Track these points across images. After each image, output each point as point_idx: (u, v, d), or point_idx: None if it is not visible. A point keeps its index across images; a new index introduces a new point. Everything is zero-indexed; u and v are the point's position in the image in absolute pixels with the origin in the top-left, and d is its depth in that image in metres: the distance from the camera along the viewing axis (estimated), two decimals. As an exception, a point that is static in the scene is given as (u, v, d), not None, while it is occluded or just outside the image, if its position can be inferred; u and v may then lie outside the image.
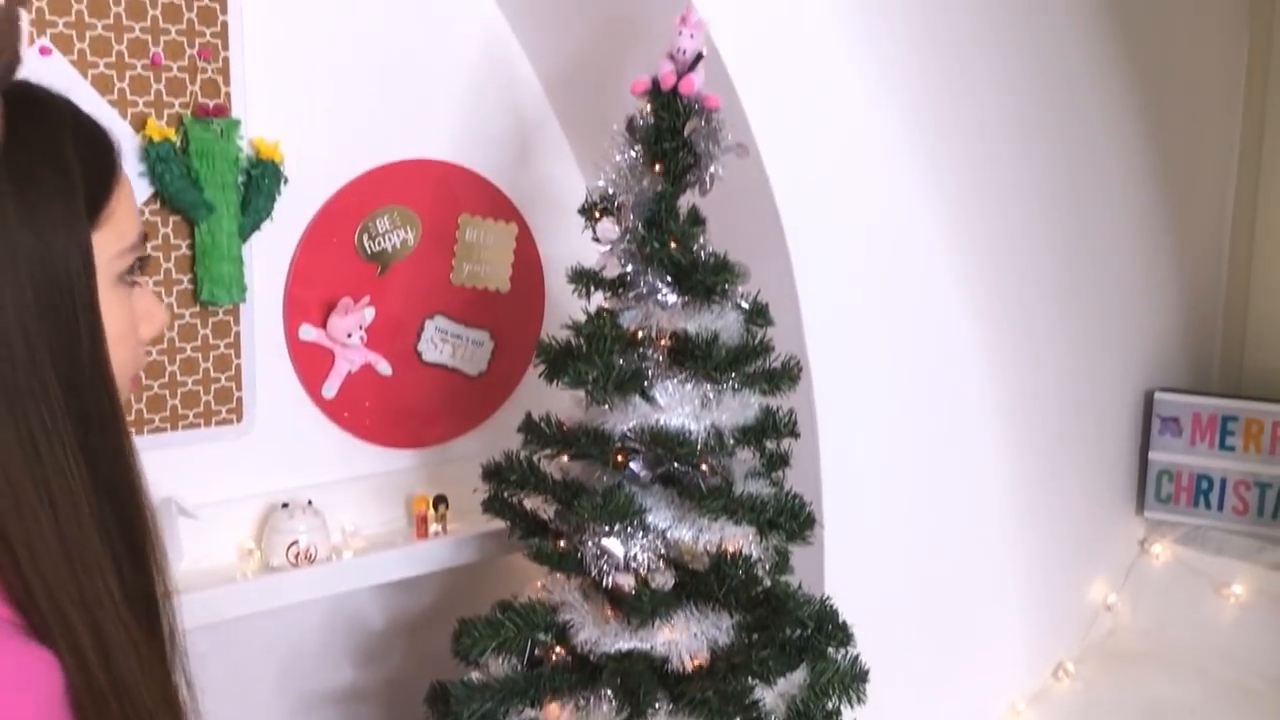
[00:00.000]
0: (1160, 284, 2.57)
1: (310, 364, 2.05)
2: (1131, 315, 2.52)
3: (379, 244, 2.09)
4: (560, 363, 1.74)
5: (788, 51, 1.95)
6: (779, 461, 1.85)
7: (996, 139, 2.21)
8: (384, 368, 2.12)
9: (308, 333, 2.03)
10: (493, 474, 1.86)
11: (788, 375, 1.79)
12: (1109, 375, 2.52)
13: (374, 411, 2.13)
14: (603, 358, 1.68)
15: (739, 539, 1.71)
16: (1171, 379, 2.61)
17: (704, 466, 1.70)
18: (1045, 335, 2.35)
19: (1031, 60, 2.23)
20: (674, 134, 1.70)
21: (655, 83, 1.71)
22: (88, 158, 0.83)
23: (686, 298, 1.71)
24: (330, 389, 2.07)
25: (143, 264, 0.90)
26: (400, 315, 2.13)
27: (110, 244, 0.84)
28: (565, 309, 1.92)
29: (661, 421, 1.69)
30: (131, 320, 0.87)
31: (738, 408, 1.74)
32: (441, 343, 2.20)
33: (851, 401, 2.06)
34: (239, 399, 1.98)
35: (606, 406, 1.69)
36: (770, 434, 1.78)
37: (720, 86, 1.78)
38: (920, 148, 2.11)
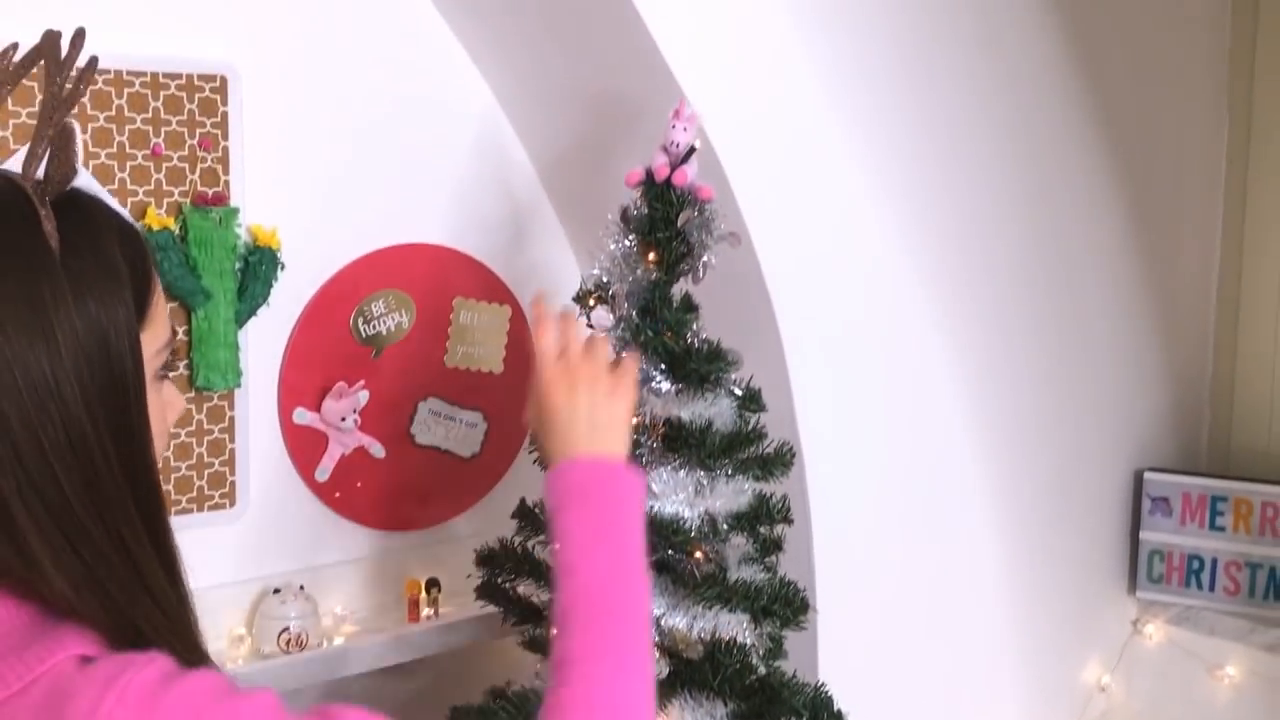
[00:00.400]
0: (1147, 364, 2.60)
1: (304, 447, 2.05)
2: (1120, 395, 2.54)
3: (374, 327, 2.10)
4: (554, 450, 1.74)
5: (780, 141, 1.99)
6: (772, 546, 1.86)
7: (986, 221, 2.24)
8: (377, 450, 2.12)
9: (302, 416, 2.03)
10: (487, 560, 1.86)
11: (780, 461, 1.80)
12: (1099, 455, 2.54)
13: (367, 494, 2.13)
14: (597, 446, 1.68)
15: (733, 626, 1.71)
16: (1161, 459, 2.62)
17: (697, 554, 1.70)
18: (1035, 415, 2.37)
19: (1020, 143, 2.27)
20: (668, 224, 1.72)
21: (649, 174, 1.74)
22: (133, 260, 0.85)
23: (680, 385, 1.73)
24: (323, 472, 2.07)
25: (174, 357, 0.93)
26: (394, 397, 2.14)
27: (151, 342, 0.87)
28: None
29: (655, 509, 1.69)
30: (163, 413, 0.90)
31: (731, 494, 1.74)
32: (435, 424, 2.20)
33: (844, 485, 2.07)
34: (232, 483, 1.98)
35: (600, 494, 1.70)
36: (764, 520, 1.78)
37: (713, 176, 1.82)
38: (911, 230, 2.14)
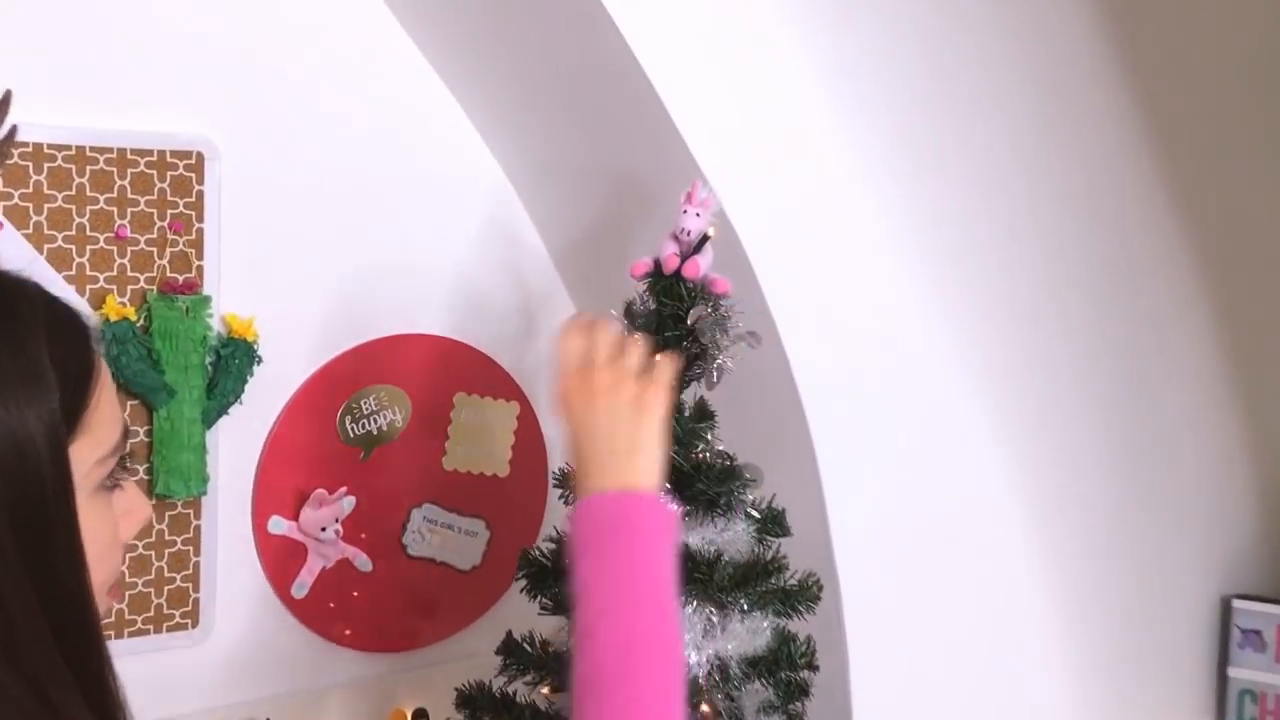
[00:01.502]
0: (1235, 479, 2.31)
1: (280, 560, 1.85)
2: (1205, 513, 2.26)
3: (363, 426, 1.91)
4: (543, 579, 1.52)
5: (811, 225, 1.78)
6: (798, 691, 1.61)
7: (1051, 318, 1.99)
8: (363, 563, 1.92)
9: (278, 525, 1.84)
10: (467, 702, 1.63)
11: (806, 594, 1.56)
12: (1181, 579, 2.25)
13: (350, 612, 1.92)
14: (589, 577, 1.45)
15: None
16: (1251, 585, 2.33)
17: (705, 708, 1.46)
18: (1110, 537, 2.09)
19: (1090, 234, 2.02)
20: (677, 322, 1.51)
21: (657, 265, 1.53)
22: (63, 358, 0.75)
23: (687, 508, 1.50)
24: (301, 588, 1.87)
25: (125, 463, 0.81)
26: (384, 504, 1.94)
27: (89, 453, 0.76)
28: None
29: (656, 652, 1.45)
30: (114, 528, 0.80)
31: (746, 635, 1.51)
32: (430, 533, 2.00)
33: (887, 622, 1.81)
34: (196, 601, 1.78)
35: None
36: (784, 666, 1.54)
37: (736, 266, 1.61)
38: (964, 327, 1.90)
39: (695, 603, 1.49)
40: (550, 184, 2.04)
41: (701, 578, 1.46)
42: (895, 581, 1.84)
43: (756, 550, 1.54)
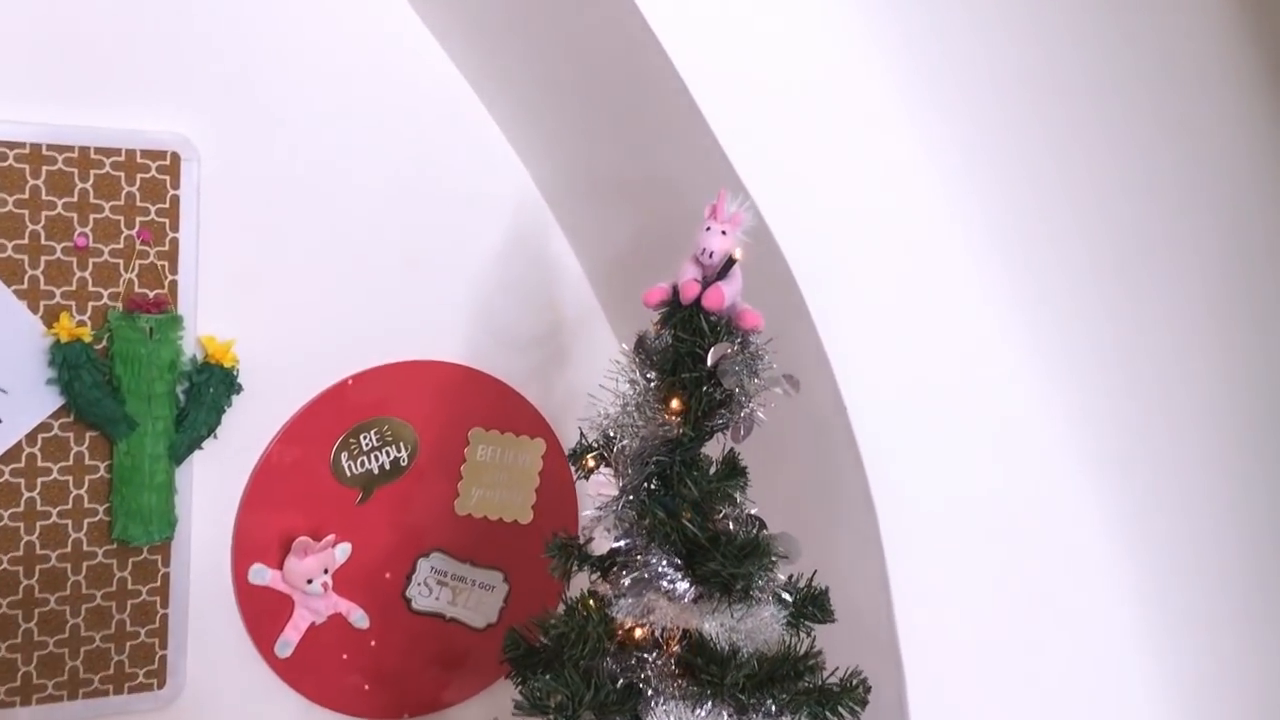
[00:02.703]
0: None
1: (262, 614, 1.65)
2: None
3: (362, 464, 1.69)
4: (529, 666, 1.27)
5: (875, 244, 1.49)
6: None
7: (1178, 384, 1.67)
8: (359, 619, 1.70)
9: (260, 575, 1.63)
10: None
11: (850, 696, 1.28)
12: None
13: (343, 674, 1.71)
14: (577, 669, 1.20)
15: None
16: None
17: None
18: (1236, 647, 1.74)
19: (1215, 293, 1.69)
20: (696, 361, 1.25)
21: (675, 292, 1.27)
22: None
23: (702, 588, 1.23)
24: (285, 646, 1.66)
25: None
26: (385, 552, 1.73)
27: None
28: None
29: (658, 765, 1.20)
30: None
31: (772, 745, 1.23)
32: (438, 586, 1.77)
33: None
34: (163, 659, 1.58)
35: (584, 735, 1.21)
36: (820, 786, 1.26)
37: (779, 291, 1.34)
38: (1065, 378, 1.59)
39: (711, 701, 1.22)
40: (588, 194, 1.79)
41: (713, 677, 1.19)
42: (974, 677, 1.53)
43: (788, 640, 1.26)
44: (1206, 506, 1.73)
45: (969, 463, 1.56)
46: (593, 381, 1.85)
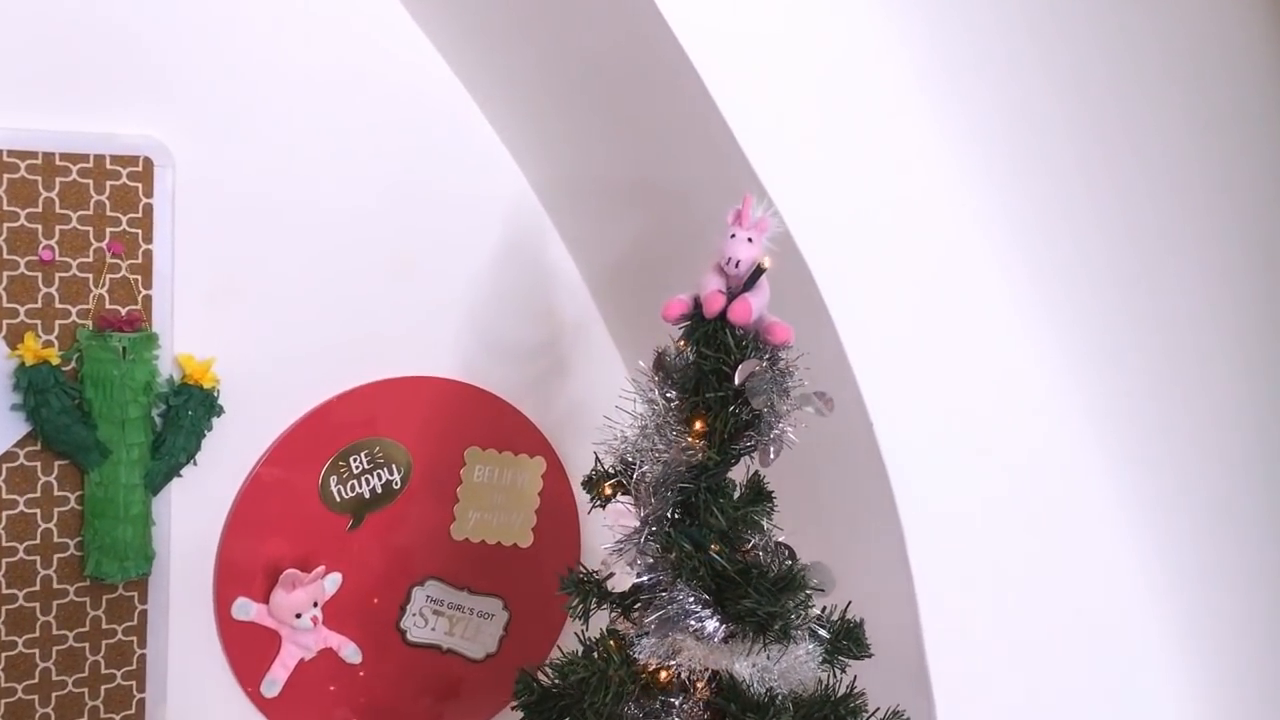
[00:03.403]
0: None
1: (247, 652, 1.55)
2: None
3: (352, 488, 1.59)
4: (543, 712, 1.17)
5: (905, 253, 1.40)
6: None
7: (1200, 409, 1.59)
8: (351, 653, 1.60)
9: (244, 610, 1.52)
10: None
11: (892, 738, 1.19)
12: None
13: (334, 712, 1.60)
14: (599, 717, 1.10)
15: None
16: None
17: None
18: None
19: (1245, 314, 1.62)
20: (721, 379, 1.15)
21: (698, 304, 1.17)
22: None
23: (733, 626, 1.13)
24: (273, 685, 1.55)
25: None
26: (378, 582, 1.63)
27: None
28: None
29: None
30: None
31: (811, 794, 1.14)
32: (434, 616, 1.67)
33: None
34: (140, 702, 1.48)
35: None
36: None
37: (802, 304, 1.24)
38: (1103, 403, 1.51)
39: (742, 750, 1.13)
40: (586, 199, 1.69)
41: (751, 716, 1.09)
42: (1005, 700, 1.45)
43: (824, 680, 1.17)
44: (1230, 506, 1.66)
45: (993, 470, 1.48)
46: (592, 394, 1.77)
